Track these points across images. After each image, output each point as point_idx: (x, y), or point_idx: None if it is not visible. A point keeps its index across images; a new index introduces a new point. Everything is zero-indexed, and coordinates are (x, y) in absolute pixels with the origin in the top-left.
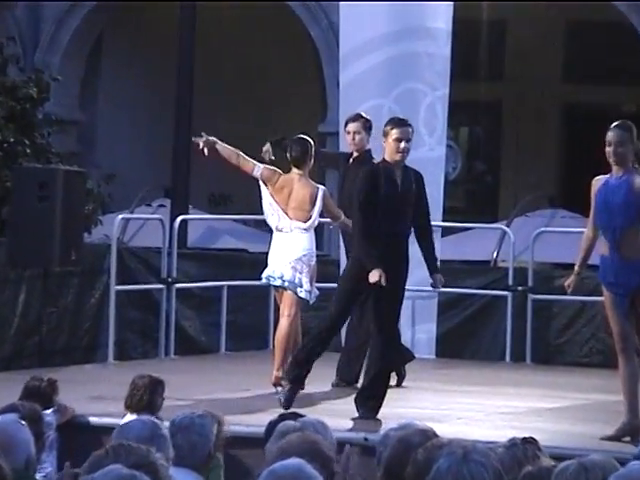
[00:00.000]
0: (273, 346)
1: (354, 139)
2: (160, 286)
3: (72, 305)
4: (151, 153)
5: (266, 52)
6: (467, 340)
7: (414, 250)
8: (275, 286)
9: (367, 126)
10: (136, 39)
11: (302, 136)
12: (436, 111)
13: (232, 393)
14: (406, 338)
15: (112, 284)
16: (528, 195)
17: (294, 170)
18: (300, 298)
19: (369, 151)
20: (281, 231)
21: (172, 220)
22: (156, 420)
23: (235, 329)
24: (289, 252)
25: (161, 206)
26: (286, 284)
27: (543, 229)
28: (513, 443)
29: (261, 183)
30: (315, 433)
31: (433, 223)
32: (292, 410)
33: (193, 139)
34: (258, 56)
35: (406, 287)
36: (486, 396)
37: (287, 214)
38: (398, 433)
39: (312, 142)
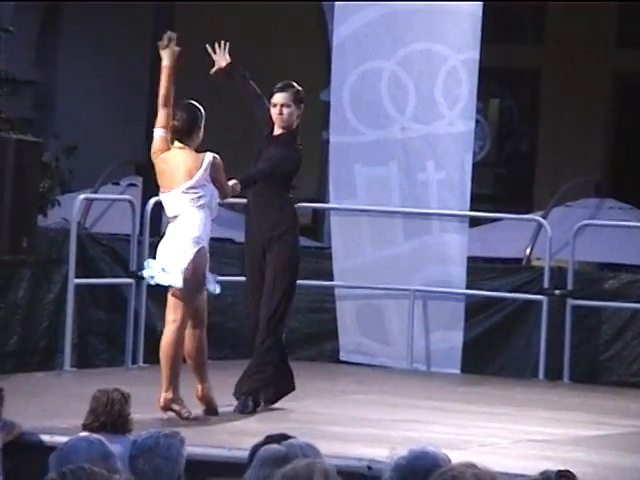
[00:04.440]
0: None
1: (281, 113)
2: (129, 280)
3: (24, 301)
4: (121, 121)
5: (264, 11)
6: (493, 353)
7: (431, 243)
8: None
9: (298, 98)
10: None
11: (191, 102)
12: (460, 78)
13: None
14: (419, 348)
15: (71, 277)
16: (570, 181)
17: (176, 144)
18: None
19: (296, 130)
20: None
21: (144, 202)
22: (99, 437)
23: (221, 333)
24: (177, 236)
25: (131, 185)
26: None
27: (587, 222)
28: (546, 477)
29: None
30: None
31: (459, 213)
32: (281, 432)
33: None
34: (254, 15)
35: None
36: (514, 420)
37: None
38: (408, 462)
39: (202, 110)
